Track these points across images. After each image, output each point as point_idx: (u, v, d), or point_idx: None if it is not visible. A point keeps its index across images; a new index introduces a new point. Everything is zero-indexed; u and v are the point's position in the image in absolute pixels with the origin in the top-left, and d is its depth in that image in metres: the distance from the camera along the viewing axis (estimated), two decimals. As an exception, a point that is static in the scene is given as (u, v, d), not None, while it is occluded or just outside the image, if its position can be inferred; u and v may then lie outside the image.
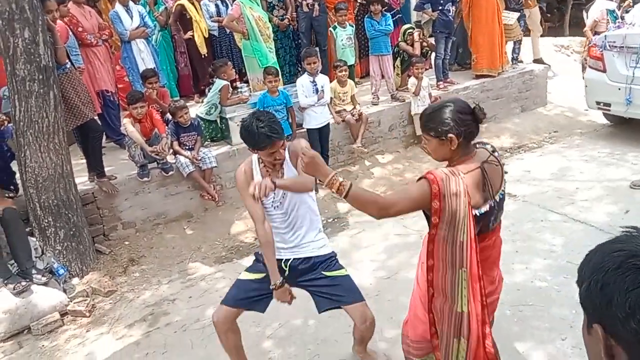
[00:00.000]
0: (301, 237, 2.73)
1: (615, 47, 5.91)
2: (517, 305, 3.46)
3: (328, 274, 2.73)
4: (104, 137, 5.57)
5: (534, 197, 5.05)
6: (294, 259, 2.74)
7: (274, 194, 2.56)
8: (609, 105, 6.17)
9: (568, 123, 7.32)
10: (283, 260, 2.73)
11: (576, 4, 13.38)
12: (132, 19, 6.05)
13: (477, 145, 2.21)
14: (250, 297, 2.74)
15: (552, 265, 3.87)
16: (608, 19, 7.86)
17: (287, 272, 2.73)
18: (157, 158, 4.94)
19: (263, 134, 2.42)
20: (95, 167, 4.87)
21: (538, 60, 8.16)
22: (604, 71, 6.09)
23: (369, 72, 7.00)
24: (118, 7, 6.02)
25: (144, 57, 6.13)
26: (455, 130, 2.03)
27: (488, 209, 2.08)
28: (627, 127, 6.48)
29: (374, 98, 6.64)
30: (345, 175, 5.97)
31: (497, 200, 2.13)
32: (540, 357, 3.01)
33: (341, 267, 2.79)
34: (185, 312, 3.90)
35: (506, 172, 2.54)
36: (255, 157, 2.66)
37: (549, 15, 13.54)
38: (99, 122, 5.17)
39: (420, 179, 2.04)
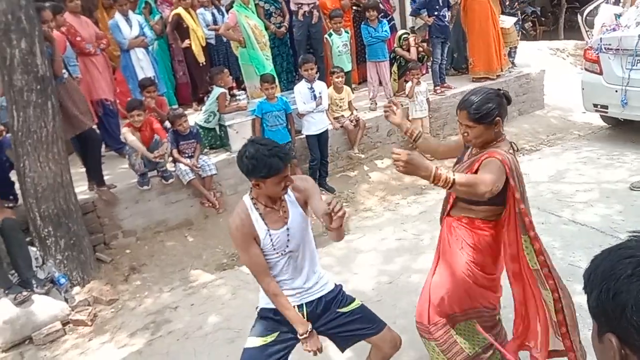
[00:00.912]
0: (307, 279, 2.47)
1: (611, 49, 5.95)
2: (519, 307, 3.46)
3: (344, 310, 2.50)
4: (104, 146, 5.57)
5: (533, 199, 5.03)
6: (306, 304, 2.47)
7: (280, 240, 2.33)
8: (605, 107, 6.21)
9: (565, 126, 7.36)
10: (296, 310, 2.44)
11: (570, 8, 13.48)
12: (131, 28, 6.07)
13: None
14: None
15: (553, 267, 3.87)
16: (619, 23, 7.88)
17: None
18: (157, 165, 4.94)
19: (276, 156, 2.16)
20: (95, 176, 4.87)
21: None
22: (600, 73, 6.13)
23: (366, 78, 7.03)
24: (117, 17, 6.04)
25: (143, 65, 6.15)
26: (499, 113, 2.30)
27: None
28: (624, 128, 6.52)
29: (371, 104, 6.67)
30: (345, 180, 5.99)
31: None
32: None
33: (353, 299, 2.58)
34: (187, 320, 3.89)
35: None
36: (248, 201, 2.34)
37: (543, 19, 13.66)
38: (97, 131, 5.17)
39: (480, 161, 2.29)
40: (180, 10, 6.95)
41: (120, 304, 4.20)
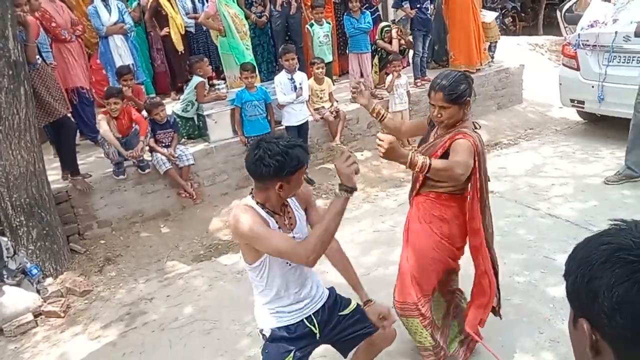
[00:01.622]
0: (312, 287, 2.33)
1: (588, 45, 6.02)
2: (495, 299, 3.50)
3: (345, 312, 2.41)
4: (79, 134, 5.46)
5: (510, 193, 5.12)
6: (313, 314, 2.31)
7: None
8: (582, 102, 6.29)
9: (543, 120, 7.44)
10: (305, 322, 2.29)
11: (550, 4, 13.63)
12: (110, 14, 5.94)
13: None
14: None
15: (529, 260, 3.93)
16: None
17: (318, 333, 2.31)
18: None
19: (298, 146, 2.05)
20: (69, 165, 4.77)
21: None
22: (578, 69, 6.20)
23: (347, 70, 7.01)
24: (97, 2, 5.89)
25: (121, 53, 6.02)
26: (469, 94, 2.45)
27: None
28: (600, 124, 6.61)
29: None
30: (325, 172, 5.97)
31: None
32: (519, 351, 3.05)
33: (350, 300, 2.48)
34: (163, 311, 3.84)
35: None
36: (253, 203, 2.14)
37: (523, 14, 13.78)
38: (72, 119, 5.06)
39: (453, 140, 2.42)
40: (159, -4, 6.83)
41: (94, 295, 4.13)
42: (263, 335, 2.31)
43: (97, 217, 4.86)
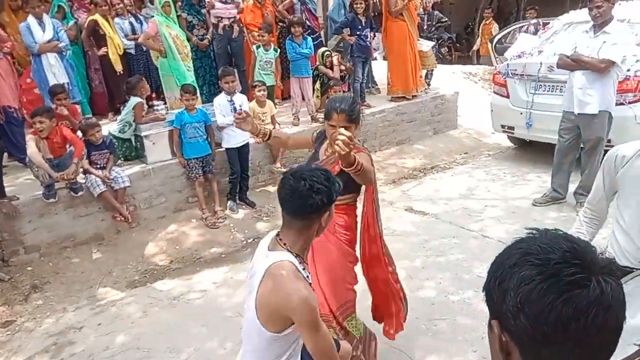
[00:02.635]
0: None
1: (517, 74, 6.37)
2: (432, 319, 3.58)
3: None
4: (6, 155, 5.20)
5: (445, 214, 5.29)
6: None
7: None
8: (512, 128, 6.62)
9: (476, 145, 7.76)
10: None
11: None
12: (44, 31, 5.75)
13: None
14: None
15: (462, 280, 4.05)
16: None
17: None
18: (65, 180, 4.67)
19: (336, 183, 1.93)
20: (-6, 187, 4.52)
21: None
22: (508, 97, 6.54)
23: (290, 94, 7.08)
24: (30, 20, 5.70)
25: (55, 71, 5.83)
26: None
27: None
28: (529, 149, 6.97)
29: (294, 119, 6.70)
30: (266, 195, 5.95)
31: None
32: (452, 368, 3.12)
33: None
34: (92, 340, 3.67)
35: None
36: (292, 259, 1.86)
37: (458, 45, 14.47)
38: (-1, 139, 4.83)
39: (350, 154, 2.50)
40: (97, 16, 6.70)
41: (17, 326, 3.89)
42: None
43: (24, 242, 4.61)
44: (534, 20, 10.50)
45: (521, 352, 0.85)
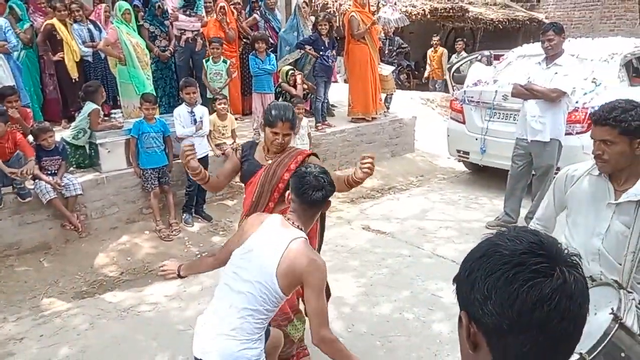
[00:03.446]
0: None
1: (473, 101, 6.60)
2: (386, 336, 3.60)
3: None
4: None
5: (401, 234, 5.36)
6: None
7: None
8: (467, 153, 6.82)
9: (432, 168, 7.95)
10: None
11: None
12: (-9, 32, 5.57)
13: None
14: None
15: (417, 298, 4.10)
16: None
17: None
18: (13, 181, 4.47)
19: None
20: None
21: None
22: (464, 123, 6.75)
23: (252, 109, 7.08)
24: (-24, 19, 5.52)
25: (0, 73, 5.63)
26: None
27: None
28: (483, 174, 7.19)
29: (255, 134, 6.69)
30: (222, 209, 5.88)
31: None
32: (405, 384, 3.13)
33: None
34: (34, 352, 3.48)
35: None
36: (304, 234, 2.26)
37: (416, 72, 14.88)
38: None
39: (303, 156, 2.94)
40: (54, 20, 6.52)
41: (-48, 336, 3.66)
42: None
43: (-37, 248, 4.38)
44: (487, 52, 10.95)
45: (488, 342, 0.88)
